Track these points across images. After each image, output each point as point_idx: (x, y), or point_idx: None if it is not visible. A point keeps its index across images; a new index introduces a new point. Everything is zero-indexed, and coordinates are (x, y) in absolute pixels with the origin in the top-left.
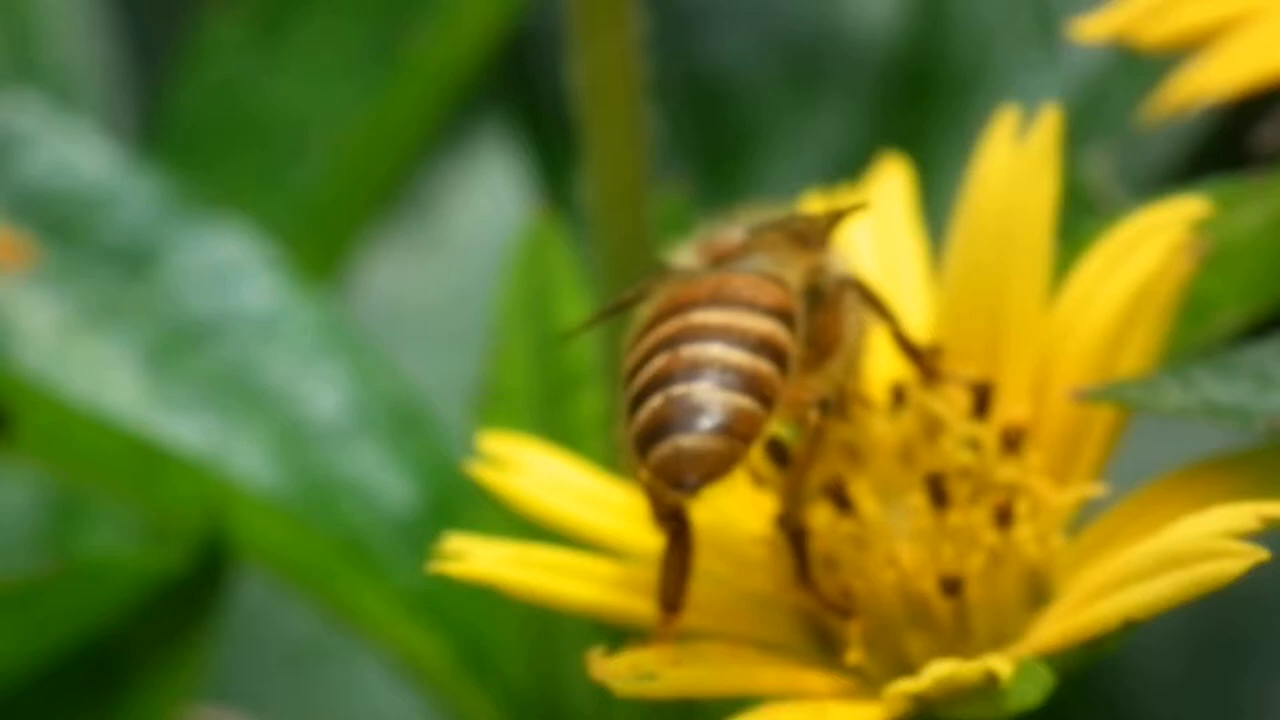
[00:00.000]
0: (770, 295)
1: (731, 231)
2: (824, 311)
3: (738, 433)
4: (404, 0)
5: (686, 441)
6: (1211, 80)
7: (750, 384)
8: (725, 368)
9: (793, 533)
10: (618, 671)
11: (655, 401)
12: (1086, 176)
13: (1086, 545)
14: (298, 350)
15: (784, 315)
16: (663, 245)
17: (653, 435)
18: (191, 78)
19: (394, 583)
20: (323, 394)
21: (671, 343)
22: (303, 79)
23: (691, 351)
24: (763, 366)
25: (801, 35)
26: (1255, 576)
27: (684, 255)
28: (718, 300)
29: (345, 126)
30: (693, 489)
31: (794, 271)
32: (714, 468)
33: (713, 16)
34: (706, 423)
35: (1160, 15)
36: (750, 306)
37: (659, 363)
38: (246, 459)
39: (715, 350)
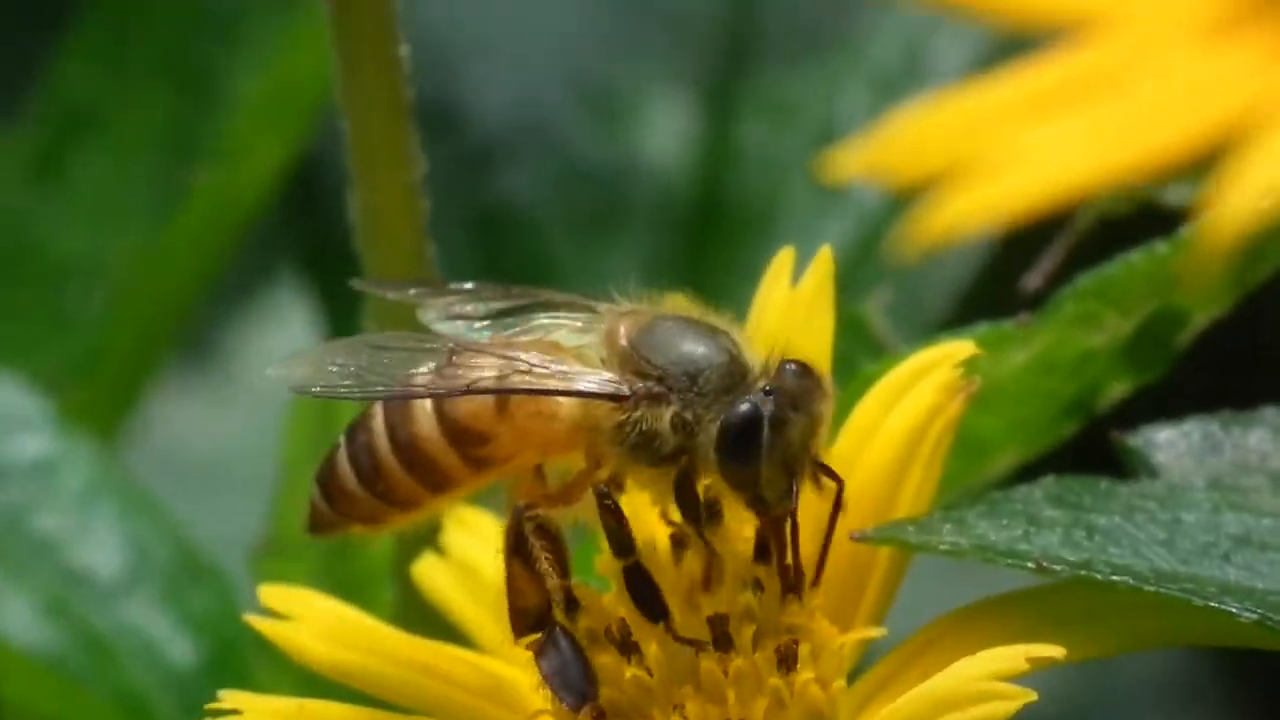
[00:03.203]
0: (463, 409)
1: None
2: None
3: (331, 498)
4: (188, 137)
5: (312, 489)
6: (956, 218)
7: (370, 468)
8: (364, 447)
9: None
10: None
11: None
12: (869, 317)
13: (868, 688)
14: (71, 502)
15: (462, 432)
16: None
17: None
18: None
19: None
20: (97, 547)
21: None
22: (84, 217)
23: (370, 413)
24: (389, 462)
25: (594, 172)
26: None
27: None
28: (437, 379)
29: (128, 265)
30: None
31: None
32: (312, 520)
33: (505, 153)
34: (319, 479)
35: (911, 153)
36: (438, 405)
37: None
38: (17, 615)
39: (376, 423)
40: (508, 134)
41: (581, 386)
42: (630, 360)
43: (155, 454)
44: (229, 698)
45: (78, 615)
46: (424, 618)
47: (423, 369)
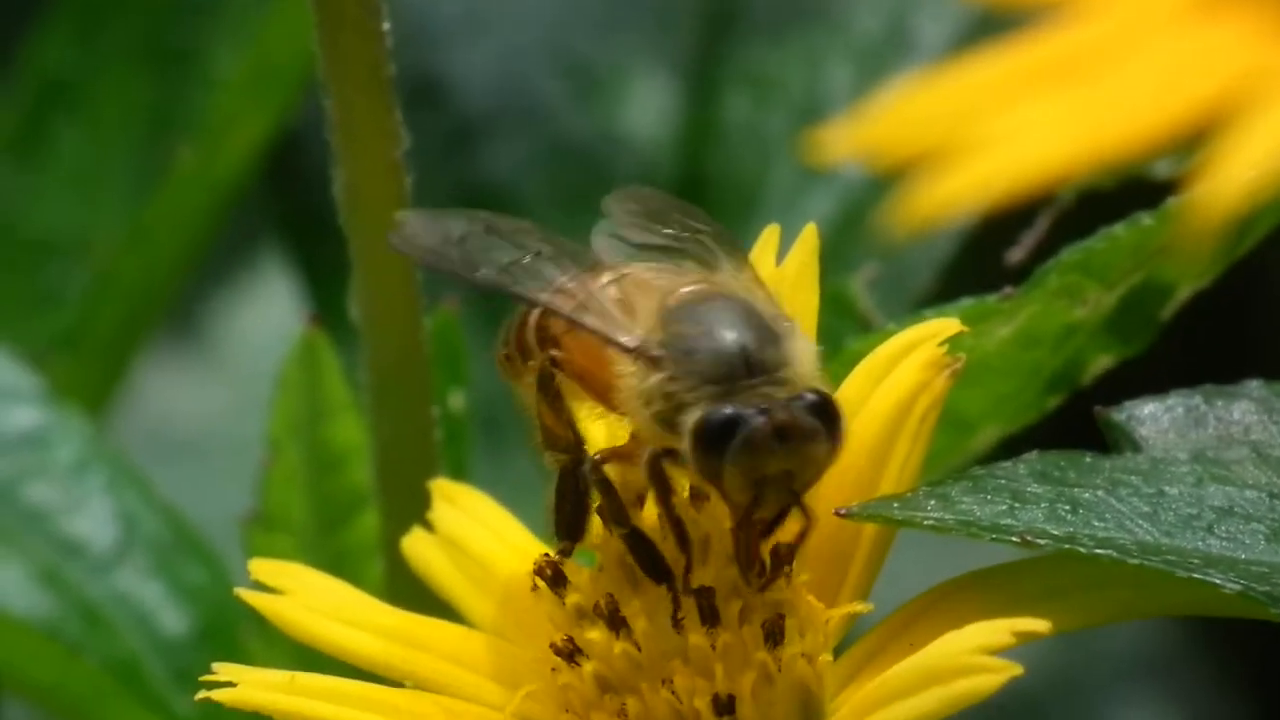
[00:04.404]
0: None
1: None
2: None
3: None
4: (169, 113)
5: None
6: (943, 198)
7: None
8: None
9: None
10: None
11: None
12: (854, 293)
13: (854, 662)
14: (62, 473)
15: (540, 327)
16: (435, 360)
17: None
18: None
19: (168, 711)
20: (89, 517)
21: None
22: (65, 194)
23: None
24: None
25: (578, 148)
26: (1022, 684)
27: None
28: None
29: (110, 242)
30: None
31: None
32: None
33: (489, 128)
34: None
35: (897, 132)
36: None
37: None
38: (11, 584)
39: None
40: (491, 109)
41: (587, 321)
42: (662, 319)
43: (141, 429)
44: (222, 670)
45: (70, 584)
46: (413, 592)
47: (542, 270)
